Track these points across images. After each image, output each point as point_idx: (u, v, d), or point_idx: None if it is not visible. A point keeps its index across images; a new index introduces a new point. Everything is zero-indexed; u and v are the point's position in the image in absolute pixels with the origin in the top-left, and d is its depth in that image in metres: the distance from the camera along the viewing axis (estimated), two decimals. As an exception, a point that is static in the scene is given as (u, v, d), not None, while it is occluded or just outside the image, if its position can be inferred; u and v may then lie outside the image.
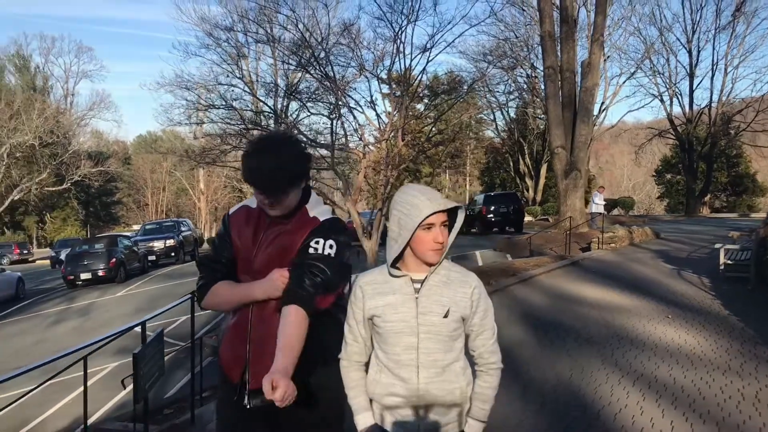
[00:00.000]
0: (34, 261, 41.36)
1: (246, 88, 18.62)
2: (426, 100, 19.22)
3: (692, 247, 15.34)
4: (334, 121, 12.42)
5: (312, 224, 2.24)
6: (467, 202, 37.41)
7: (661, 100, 41.59)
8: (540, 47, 21.99)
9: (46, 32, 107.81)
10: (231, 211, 2.45)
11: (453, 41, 14.47)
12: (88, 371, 4.34)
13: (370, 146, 13.61)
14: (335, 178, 15.05)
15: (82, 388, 4.37)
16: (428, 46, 13.02)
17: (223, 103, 16.86)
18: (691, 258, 13.61)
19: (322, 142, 13.50)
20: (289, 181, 2.17)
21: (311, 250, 2.18)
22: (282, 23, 13.34)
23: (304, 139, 14.20)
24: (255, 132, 13.14)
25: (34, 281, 24.35)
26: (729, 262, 10.62)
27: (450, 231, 2.08)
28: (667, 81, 41.22)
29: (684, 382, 5.30)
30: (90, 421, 7.20)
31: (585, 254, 15.25)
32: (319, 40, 11.99)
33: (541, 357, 6.38)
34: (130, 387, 4.35)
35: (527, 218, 34.93)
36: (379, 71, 13.46)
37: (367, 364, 2.20)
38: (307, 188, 2.34)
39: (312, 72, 12.39)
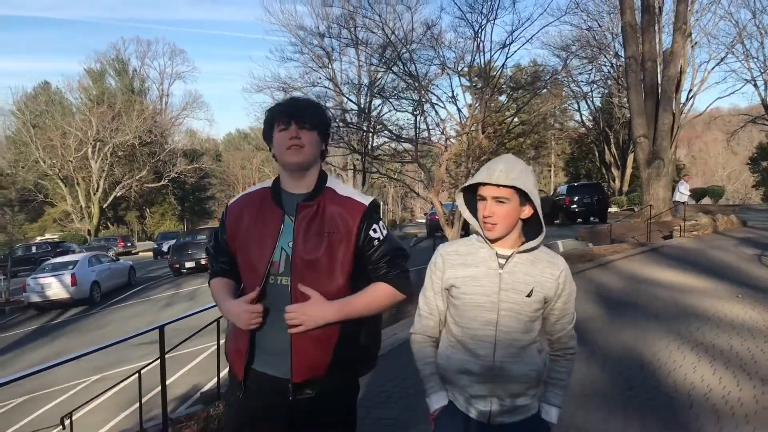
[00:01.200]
0: (137, 253, 44.24)
1: (334, 89, 19.65)
2: (508, 92, 19.68)
3: (780, 235, 15.23)
4: (417, 117, 13.22)
5: (359, 208, 2.12)
6: (552, 193, 37.32)
7: (755, 86, 39.99)
8: (622, 36, 21.91)
9: (141, 36, 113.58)
10: (231, 201, 2.30)
11: (531, 37, 15.19)
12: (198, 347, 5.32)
13: (452, 140, 14.31)
14: (418, 170, 15.85)
15: (194, 362, 5.34)
16: (507, 42, 13.59)
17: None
18: (773, 244, 13.60)
19: (405, 136, 14.31)
20: (316, 116, 2.12)
21: (375, 238, 2.11)
22: (368, 26, 14.26)
23: (389, 134, 15.12)
24: (346, 131, 14.13)
25: (142, 270, 26.43)
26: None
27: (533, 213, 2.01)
28: (762, 65, 39.65)
29: (740, 349, 5.83)
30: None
31: (665, 242, 15.42)
32: (403, 40, 12.82)
33: (609, 329, 7.01)
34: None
35: (613, 208, 34.62)
36: (459, 68, 14.15)
37: (437, 341, 2.17)
38: (323, 171, 2.23)
39: (396, 71, 13.26)
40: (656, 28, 21.55)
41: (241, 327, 2.06)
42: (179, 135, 71.11)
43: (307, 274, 2.05)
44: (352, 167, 37.81)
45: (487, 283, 1.98)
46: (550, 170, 66.31)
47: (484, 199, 1.95)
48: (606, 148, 46.40)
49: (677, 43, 19.15)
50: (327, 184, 2.16)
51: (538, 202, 1.98)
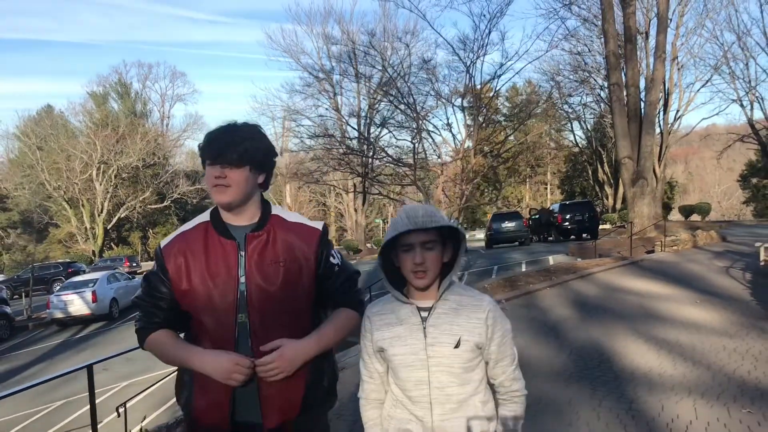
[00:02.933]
0: (142, 272, 45.20)
1: (337, 117, 21.03)
2: (501, 118, 20.97)
3: (753, 249, 16.42)
4: (416, 144, 14.53)
5: (313, 233, 2.08)
6: (537, 210, 38.57)
7: (741, 105, 41.47)
8: (606, 64, 23.30)
9: (142, 59, 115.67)
10: (163, 243, 2.10)
11: (520, 70, 16.42)
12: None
13: (447, 164, 15.61)
14: (417, 191, 17.11)
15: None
16: (497, 74, 14.93)
17: (314, 129, 19.27)
18: (745, 258, 14.78)
19: (405, 160, 15.61)
20: (246, 152, 1.95)
21: (334, 265, 2.11)
22: (370, 63, 15.64)
23: (390, 159, 16.41)
24: (350, 156, 15.47)
25: (154, 289, 27.48)
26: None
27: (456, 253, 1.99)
28: (747, 86, 41.14)
29: (685, 341, 7.04)
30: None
31: (646, 256, 16.64)
32: (403, 75, 14.18)
33: (579, 326, 8.24)
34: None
35: (605, 225, 35.87)
36: (454, 100, 15.51)
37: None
38: (266, 201, 2.14)
39: (397, 104, 14.60)
40: (638, 56, 22.89)
41: (219, 379, 1.91)
42: (180, 156, 72.39)
43: (265, 308, 1.96)
44: (353, 188, 39.06)
45: (413, 341, 1.93)
46: (546, 188, 67.68)
47: (410, 248, 1.89)
48: (599, 166, 47.80)
49: (658, 70, 20.54)
50: (273, 212, 2.10)
51: (465, 241, 2.01)
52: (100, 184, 55.38)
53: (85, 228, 56.26)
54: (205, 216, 2.10)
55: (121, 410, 7.12)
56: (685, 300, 9.65)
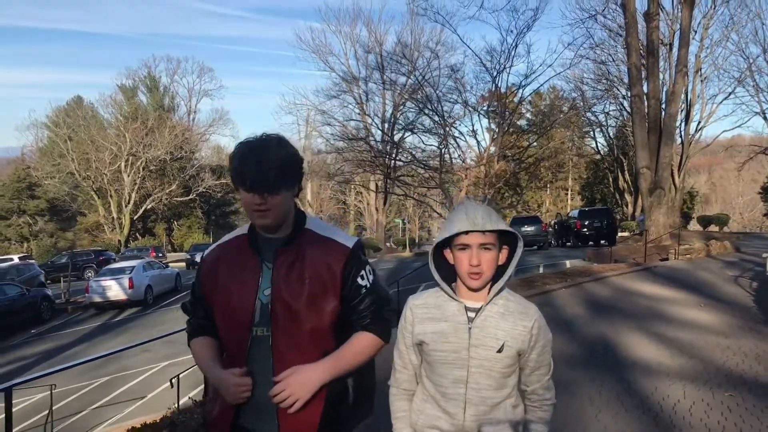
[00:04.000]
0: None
1: (364, 119, 21.89)
2: (529, 116, 21.61)
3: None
4: (443, 150, 15.38)
5: (342, 250, 2.04)
6: (555, 217, 39.21)
7: (765, 118, 41.70)
8: (628, 76, 23.94)
9: (171, 53, 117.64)
10: (205, 253, 2.20)
11: (544, 83, 17.15)
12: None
13: (471, 169, 16.43)
14: (439, 193, 17.96)
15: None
16: (522, 84, 15.73)
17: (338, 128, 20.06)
18: (756, 268, 15.38)
19: (431, 165, 16.48)
20: (282, 176, 1.94)
21: (362, 287, 2.05)
22: (401, 72, 16.52)
23: (415, 160, 17.25)
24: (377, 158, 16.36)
25: (184, 278, 28.65)
26: (775, 268, 12.62)
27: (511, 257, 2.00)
28: (771, 98, 41.36)
29: (684, 338, 7.80)
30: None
31: (660, 263, 17.30)
32: (432, 84, 15.04)
33: (590, 323, 9.04)
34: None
35: (623, 233, 36.39)
36: (480, 109, 16.35)
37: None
38: (300, 211, 2.13)
39: (427, 112, 15.47)
40: (661, 66, 23.53)
41: (229, 401, 1.96)
42: (206, 151, 73.56)
43: (288, 324, 1.95)
44: (376, 188, 39.96)
45: (456, 340, 1.94)
46: (567, 193, 68.03)
47: (466, 248, 1.90)
48: (620, 174, 48.20)
49: (678, 84, 21.17)
50: (306, 225, 2.08)
51: (521, 243, 2.01)
52: (128, 176, 56.59)
53: (112, 218, 57.61)
54: (244, 228, 2.13)
55: (173, 381, 8.04)
56: (690, 303, 10.37)
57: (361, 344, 2.03)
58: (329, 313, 1.98)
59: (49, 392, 7.26)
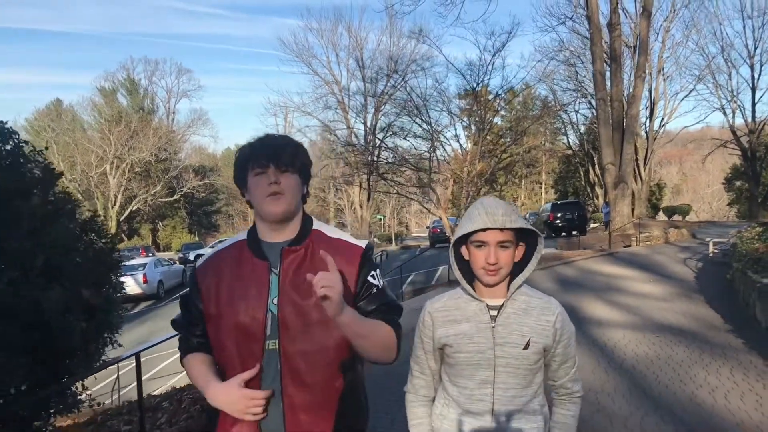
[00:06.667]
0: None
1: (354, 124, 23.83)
2: (503, 112, 23.53)
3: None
4: (431, 154, 17.49)
5: (356, 251, 1.92)
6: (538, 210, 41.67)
7: (724, 113, 44.39)
8: (593, 81, 26.12)
9: (147, 53, 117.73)
10: (198, 264, 1.99)
11: (518, 94, 19.32)
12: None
13: (454, 170, 18.56)
14: (429, 192, 20.10)
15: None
16: (499, 93, 17.86)
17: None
18: (705, 251, 17.58)
19: (420, 167, 18.60)
20: (295, 156, 1.86)
21: (373, 286, 1.91)
22: (394, 84, 18.59)
23: (408, 164, 19.30)
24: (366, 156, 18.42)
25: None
26: (716, 251, 14.86)
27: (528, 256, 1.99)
28: (730, 94, 44.03)
29: (632, 303, 9.95)
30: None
31: (622, 249, 19.55)
32: (422, 98, 17.18)
33: (558, 294, 10.96)
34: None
35: (594, 224, 38.77)
36: (462, 118, 18.51)
37: (433, 399, 2.11)
38: (307, 215, 1.99)
39: (417, 122, 17.62)
40: (624, 70, 25.80)
41: (236, 416, 1.77)
42: (186, 152, 74.45)
43: (298, 333, 1.78)
44: (359, 185, 41.88)
45: (481, 339, 1.90)
46: (541, 187, 70.50)
47: (483, 245, 1.86)
48: (590, 168, 50.60)
49: (638, 88, 23.42)
50: (314, 227, 1.95)
51: (542, 240, 1.99)
52: (114, 178, 57.65)
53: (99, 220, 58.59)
54: (242, 234, 1.98)
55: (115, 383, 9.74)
56: (642, 280, 12.53)
57: (380, 326, 1.84)
58: None
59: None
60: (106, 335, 4.67)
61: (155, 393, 8.36)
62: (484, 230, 1.84)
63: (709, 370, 6.17)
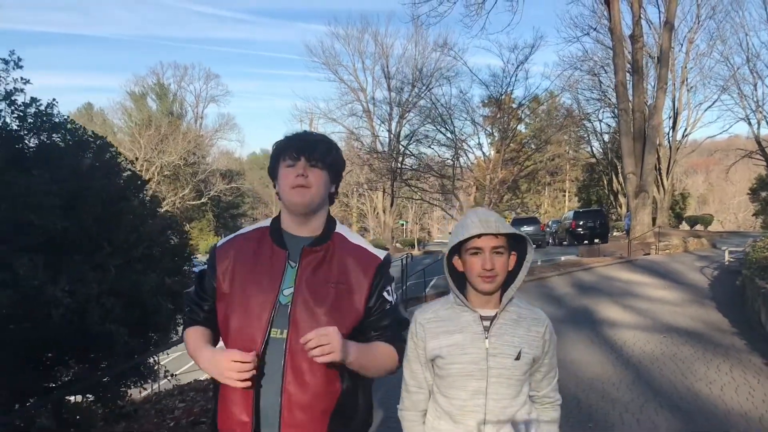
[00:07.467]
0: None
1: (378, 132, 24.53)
2: (527, 120, 24.10)
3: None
4: (454, 162, 18.15)
5: (373, 260, 1.94)
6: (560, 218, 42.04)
7: (749, 123, 44.26)
8: (615, 92, 26.61)
9: (174, 57, 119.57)
10: (219, 243, 2.01)
11: (540, 106, 19.97)
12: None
13: (477, 176, 19.19)
14: (452, 198, 20.75)
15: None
16: (522, 103, 18.48)
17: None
18: (722, 260, 18.01)
19: (444, 174, 19.26)
20: (327, 152, 1.91)
21: (387, 302, 1.93)
22: (419, 93, 19.32)
23: (432, 171, 19.99)
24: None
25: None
26: (731, 259, 15.31)
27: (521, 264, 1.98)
28: (755, 105, 43.89)
29: (645, 307, 10.53)
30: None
31: (641, 257, 20.00)
32: (446, 107, 17.85)
33: (575, 298, 11.81)
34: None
35: (617, 232, 39.05)
36: (485, 126, 19.15)
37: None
38: (332, 217, 2.01)
39: (442, 131, 18.30)
40: (646, 81, 26.28)
41: (223, 381, 1.76)
42: (213, 156, 75.70)
43: (308, 328, 1.76)
44: (383, 190, 42.63)
45: (473, 350, 1.90)
46: (564, 195, 70.58)
47: (478, 252, 1.87)
48: (614, 177, 50.73)
49: (659, 99, 23.92)
50: (336, 230, 1.97)
51: (531, 248, 1.99)
52: (144, 181, 59.02)
53: (130, 221, 59.87)
54: (266, 221, 2.01)
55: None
56: (658, 286, 13.06)
57: (384, 351, 1.91)
58: (350, 321, 1.85)
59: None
60: (178, 317, 5.39)
61: (201, 378, 9.15)
62: (479, 236, 1.85)
63: (709, 366, 6.76)
